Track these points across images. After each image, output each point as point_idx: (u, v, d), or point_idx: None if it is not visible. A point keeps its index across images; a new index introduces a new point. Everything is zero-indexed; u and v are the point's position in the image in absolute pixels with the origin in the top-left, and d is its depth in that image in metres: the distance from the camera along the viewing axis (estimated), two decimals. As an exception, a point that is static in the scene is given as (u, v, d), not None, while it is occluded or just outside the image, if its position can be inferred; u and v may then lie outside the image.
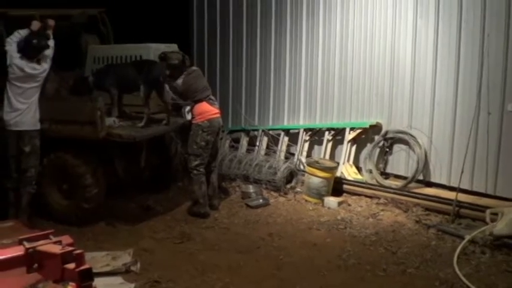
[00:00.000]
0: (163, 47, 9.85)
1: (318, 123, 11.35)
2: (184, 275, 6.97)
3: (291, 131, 11.71)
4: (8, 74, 8.08)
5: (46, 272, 3.58)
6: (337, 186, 10.23)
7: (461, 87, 9.15)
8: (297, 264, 7.39)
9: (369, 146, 10.47)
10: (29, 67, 8.08)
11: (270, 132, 11.90)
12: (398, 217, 9.07)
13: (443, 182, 9.56)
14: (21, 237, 3.68)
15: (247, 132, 12.30)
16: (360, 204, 9.70)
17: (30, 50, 8.10)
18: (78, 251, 3.49)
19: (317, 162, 10.26)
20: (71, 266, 3.44)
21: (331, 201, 9.73)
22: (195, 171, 9.15)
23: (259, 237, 8.36)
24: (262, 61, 12.29)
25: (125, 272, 6.93)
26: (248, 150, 11.97)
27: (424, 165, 9.69)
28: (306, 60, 11.47)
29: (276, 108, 12.15)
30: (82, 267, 3.42)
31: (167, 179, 10.51)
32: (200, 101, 9.11)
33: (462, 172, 8.83)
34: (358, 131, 10.56)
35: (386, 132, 10.19)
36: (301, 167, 10.97)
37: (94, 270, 3.53)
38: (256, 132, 12.13)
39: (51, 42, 8.33)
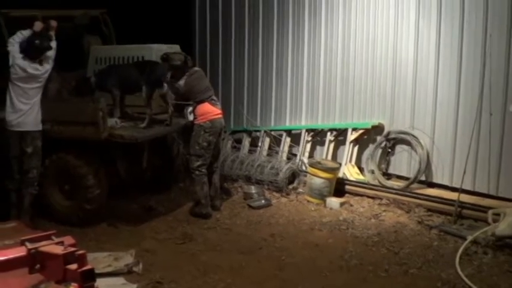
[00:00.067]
0: (165, 48, 9.85)
1: (320, 123, 11.35)
2: (186, 276, 6.98)
3: (293, 131, 11.71)
4: (10, 74, 8.09)
5: (48, 272, 3.57)
6: (339, 187, 10.23)
7: (463, 87, 9.14)
8: (299, 264, 7.39)
9: (371, 146, 10.47)
10: (32, 68, 8.09)
11: (272, 132, 11.90)
12: (401, 218, 9.07)
13: (446, 182, 9.55)
14: (23, 238, 3.67)
15: (249, 132, 12.30)
16: (362, 205, 9.70)
17: (33, 51, 8.11)
18: (80, 252, 3.48)
19: (319, 162, 10.26)
20: (73, 266, 3.42)
21: (333, 201, 9.73)
22: (197, 172, 9.15)
23: (261, 237, 8.37)
24: (264, 61, 12.29)
25: (127, 273, 6.93)
26: (250, 151, 11.96)
27: (426, 165, 9.67)
28: (308, 60, 11.46)
29: (278, 108, 12.14)
30: (84, 268, 3.40)
31: (169, 179, 10.52)
32: (202, 101, 9.12)
33: (464, 173, 8.82)
34: (360, 131, 10.55)
35: (389, 133, 10.18)
36: (303, 167, 10.97)
37: (96, 271, 3.52)
38: (258, 133, 12.12)
39: (53, 44, 8.34)
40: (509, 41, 8.49)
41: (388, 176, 10.28)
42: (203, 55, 13.52)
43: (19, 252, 3.58)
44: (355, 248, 7.88)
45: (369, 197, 9.95)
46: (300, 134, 11.49)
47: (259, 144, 11.92)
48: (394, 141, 10.16)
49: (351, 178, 10.40)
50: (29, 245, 3.58)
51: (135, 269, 7.02)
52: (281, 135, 11.74)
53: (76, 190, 8.72)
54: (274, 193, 10.42)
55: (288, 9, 11.65)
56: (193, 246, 8.00)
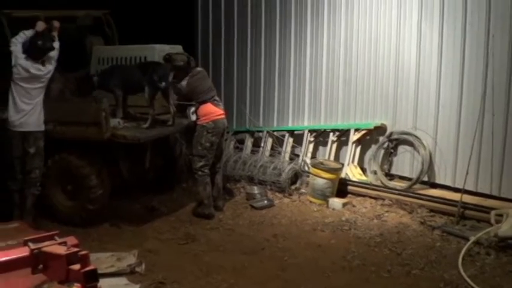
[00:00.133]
0: (167, 48, 9.85)
1: (322, 124, 11.35)
2: (189, 276, 6.98)
3: (296, 132, 11.71)
4: (12, 74, 8.10)
5: (51, 272, 3.58)
6: (342, 188, 10.23)
7: (466, 88, 9.13)
8: (302, 265, 7.39)
9: (374, 147, 10.46)
10: (34, 68, 8.10)
11: (275, 133, 11.91)
12: (403, 218, 9.06)
13: (448, 183, 9.55)
14: (26, 238, 3.69)
15: (251, 133, 12.30)
16: (364, 206, 9.70)
17: (35, 51, 8.12)
18: (83, 252, 3.49)
19: (322, 163, 10.26)
20: (76, 267, 3.44)
21: (336, 202, 9.73)
22: (199, 172, 9.15)
23: (264, 238, 8.37)
24: (267, 62, 12.29)
25: (129, 273, 6.93)
26: (253, 151, 11.96)
27: (429, 166, 9.67)
28: (310, 61, 11.46)
29: (280, 109, 12.14)
30: (87, 268, 3.42)
31: (172, 180, 10.52)
32: (205, 102, 9.12)
33: (467, 173, 8.82)
34: (363, 132, 10.54)
35: (391, 134, 10.17)
36: (306, 168, 10.95)
37: (99, 271, 3.53)
38: (260, 134, 12.13)
39: (56, 44, 8.35)
40: (512, 41, 8.52)
41: (390, 176, 10.27)
42: (205, 55, 13.53)
43: (22, 252, 3.60)
44: (357, 249, 7.88)
45: (371, 197, 9.95)
46: (302, 135, 11.48)
47: (262, 144, 11.92)
48: (396, 142, 10.16)
49: (354, 179, 10.39)
50: (32, 245, 3.60)
51: (137, 269, 7.02)
52: (284, 136, 11.74)
53: (79, 190, 8.73)
54: (277, 193, 10.42)
55: (290, 9, 11.65)
56: (196, 247, 8.00)
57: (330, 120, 11.22)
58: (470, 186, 9.03)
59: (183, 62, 9.19)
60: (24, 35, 8.15)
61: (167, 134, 9.58)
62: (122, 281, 6.75)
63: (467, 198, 8.86)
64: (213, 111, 9.15)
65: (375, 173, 10.22)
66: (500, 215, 8.02)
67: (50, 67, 8.29)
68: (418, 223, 8.80)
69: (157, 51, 9.82)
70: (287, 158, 11.37)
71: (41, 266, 3.59)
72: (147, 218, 9.11)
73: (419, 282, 6.84)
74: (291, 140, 11.65)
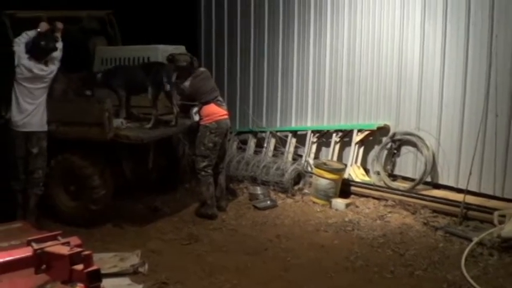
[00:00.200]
0: (171, 49, 9.86)
1: (325, 124, 11.34)
2: (192, 277, 6.98)
3: (299, 132, 11.71)
4: (15, 74, 8.12)
5: (54, 273, 3.58)
6: (345, 188, 10.23)
7: (469, 88, 9.12)
8: (305, 265, 7.39)
9: (377, 147, 10.45)
10: (37, 68, 8.13)
11: (278, 133, 11.90)
12: (406, 219, 9.06)
13: (451, 184, 9.53)
14: (29, 238, 3.68)
15: (254, 133, 12.29)
16: (367, 206, 9.69)
17: (38, 52, 8.14)
18: (86, 252, 3.48)
19: (325, 163, 10.26)
20: (79, 267, 3.43)
21: (339, 203, 9.73)
22: (202, 173, 9.16)
23: (267, 238, 8.37)
24: (270, 62, 12.29)
25: (132, 273, 6.94)
26: (256, 152, 11.97)
27: (432, 167, 9.66)
28: (313, 61, 11.45)
29: (283, 109, 12.14)
30: (90, 269, 3.41)
31: (175, 180, 10.53)
32: (208, 102, 9.13)
33: (470, 174, 8.80)
34: (366, 132, 10.54)
35: (394, 134, 10.16)
36: (309, 168, 10.96)
37: (102, 271, 3.53)
38: (263, 134, 12.12)
39: (59, 45, 8.37)
40: (516, 41, 8.51)
41: (393, 177, 10.26)
42: (209, 55, 13.53)
43: (25, 252, 3.59)
44: (360, 249, 7.88)
45: (374, 198, 9.95)
46: (305, 135, 11.48)
47: (265, 145, 11.92)
48: (399, 143, 10.14)
49: (357, 179, 10.39)
50: (35, 246, 3.60)
51: (140, 269, 7.03)
52: (287, 136, 11.73)
53: (82, 191, 8.74)
54: (280, 194, 10.42)
55: (293, 9, 11.65)
56: (199, 247, 8.01)
57: (333, 120, 11.21)
58: (473, 187, 9.01)
59: (186, 62, 9.20)
60: (27, 35, 8.18)
61: (170, 135, 9.59)
62: (125, 281, 6.75)
63: (470, 199, 8.85)
64: (216, 111, 9.15)
65: (378, 173, 10.21)
66: (503, 216, 8.02)
67: (53, 67, 8.31)
68: (421, 224, 8.80)
69: (161, 52, 9.83)
70: (290, 159, 11.37)
71: (44, 266, 3.58)
72: (150, 218, 9.12)
73: (422, 283, 6.84)
74: (294, 140, 11.65)
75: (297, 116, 11.89)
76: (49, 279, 3.64)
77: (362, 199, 10.03)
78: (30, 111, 8.19)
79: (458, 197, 8.99)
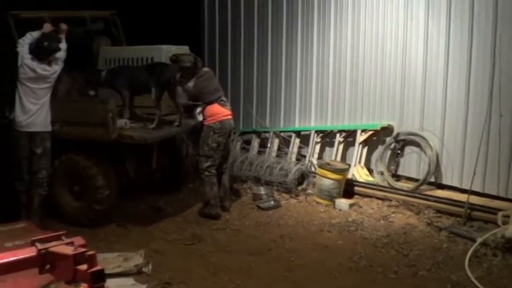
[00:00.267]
0: (174, 49, 9.87)
1: (329, 125, 11.34)
2: (196, 277, 6.98)
3: (302, 132, 11.71)
4: (18, 74, 8.13)
5: (58, 273, 3.59)
6: (349, 188, 10.22)
7: (473, 88, 9.11)
8: (308, 266, 7.39)
9: (380, 148, 10.45)
10: (40, 68, 8.13)
11: (281, 134, 11.90)
12: (410, 219, 9.05)
13: (455, 184, 9.53)
14: (33, 238, 3.69)
15: (258, 133, 12.30)
16: (371, 206, 9.69)
17: (41, 52, 8.15)
18: (90, 252, 3.49)
19: (328, 164, 10.26)
20: (83, 267, 3.45)
21: (343, 203, 9.72)
22: (206, 173, 9.16)
23: (271, 239, 8.36)
24: (274, 62, 12.29)
25: (136, 273, 6.94)
26: (259, 152, 11.97)
27: (436, 167, 9.65)
28: (317, 61, 11.45)
29: (287, 109, 12.14)
30: (94, 269, 3.42)
31: (178, 180, 10.53)
32: (211, 102, 9.12)
33: (474, 174, 8.80)
34: (370, 132, 10.54)
35: (398, 134, 10.16)
36: (313, 168, 10.95)
37: (106, 272, 3.53)
38: (267, 134, 12.12)
39: (63, 45, 8.38)
40: (519, 41, 8.50)
41: (397, 177, 10.26)
42: (212, 55, 13.53)
43: (29, 252, 3.60)
44: (364, 250, 7.87)
45: (378, 198, 9.94)
46: (309, 135, 11.48)
47: (269, 145, 11.93)
48: (403, 143, 10.15)
49: (360, 179, 10.39)
50: (39, 246, 3.61)
51: (144, 269, 7.03)
52: (290, 137, 11.74)
53: (86, 191, 8.75)
54: (284, 194, 10.41)
55: (297, 9, 11.64)
56: (202, 247, 8.01)
57: (337, 121, 11.21)
58: (477, 187, 9.01)
59: (190, 62, 9.20)
60: (31, 36, 8.20)
61: (174, 135, 9.59)
62: (129, 281, 6.75)
63: (474, 199, 8.84)
64: (219, 111, 9.15)
65: (382, 173, 10.21)
66: (507, 216, 8.01)
67: (56, 67, 8.31)
68: (425, 224, 8.79)
69: (164, 52, 9.84)
70: (294, 159, 11.37)
71: (48, 266, 3.59)
72: (153, 219, 9.12)
73: (426, 283, 6.83)
74: (297, 140, 11.65)
75: (301, 116, 11.89)
76: (53, 279, 3.65)
77: (366, 199, 10.03)
78: (34, 112, 8.19)
79: (462, 197, 8.99)
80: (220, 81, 10.11)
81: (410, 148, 10.11)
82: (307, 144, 11.46)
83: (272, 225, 8.99)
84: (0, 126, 8.65)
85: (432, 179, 9.76)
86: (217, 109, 9.14)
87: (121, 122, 8.73)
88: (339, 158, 10.87)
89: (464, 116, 9.26)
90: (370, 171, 10.57)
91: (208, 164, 9.12)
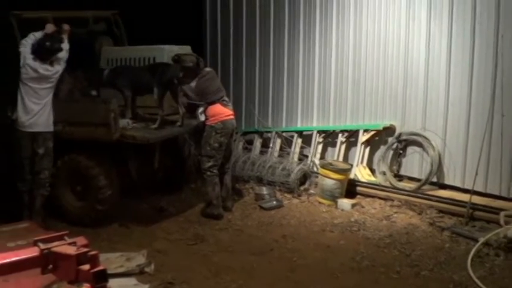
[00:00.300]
0: (176, 49, 9.87)
1: (331, 125, 11.33)
2: (198, 277, 6.99)
3: (305, 132, 11.70)
4: (20, 74, 8.14)
5: (61, 273, 3.58)
6: (351, 188, 10.22)
7: (475, 89, 9.10)
8: (311, 266, 7.39)
9: (383, 148, 10.44)
10: (42, 68, 8.15)
11: (283, 134, 11.90)
12: (412, 219, 9.05)
13: (457, 184, 9.52)
14: (36, 238, 3.69)
15: (260, 133, 12.29)
16: (373, 206, 9.69)
17: (43, 52, 8.18)
18: (92, 252, 3.49)
19: (330, 164, 10.26)
20: (86, 267, 3.44)
21: (345, 203, 9.72)
22: (208, 173, 9.16)
23: (273, 239, 8.37)
24: (276, 62, 12.29)
25: (138, 273, 6.95)
26: (261, 152, 11.97)
27: (438, 167, 9.64)
28: (319, 61, 11.44)
29: (289, 109, 12.14)
30: (97, 269, 3.42)
31: (180, 180, 10.53)
32: (214, 102, 9.13)
33: (476, 174, 8.79)
34: (372, 132, 10.53)
35: (400, 134, 10.15)
36: (315, 168, 10.95)
37: (108, 272, 3.53)
38: (269, 134, 12.12)
39: (65, 46, 8.39)
40: (522, 41, 8.49)
41: (399, 177, 10.25)
42: (214, 55, 13.53)
43: (32, 252, 3.60)
44: (366, 250, 7.87)
45: (380, 198, 9.94)
46: (311, 135, 11.47)
47: (271, 145, 11.93)
48: (405, 143, 10.13)
49: (363, 179, 10.38)
50: (42, 246, 3.60)
51: (147, 269, 7.04)
52: (292, 137, 11.73)
53: (88, 191, 8.76)
54: (286, 194, 10.42)
55: (299, 9, 11.64)
56: (204, 247, 8.01)
57: (339, 121, 11.21)
58: (479, 187, 9.00)
59: (192, 62, 9.20)
60: (34, 36, 8.24)
61: (176, 135, 9.60)
62: (131, 281, 6.76)
63: (476, 199, 8.83)
64: (221, 111, 9.15)
65: (384, 173, 10.20)
66: (510, 216, 8.03)
67: (58, 67, 8.33)
68: (427, 224, 8.79)
69: (166, 52, 9.83)
70: (296, 159, 11.36)
71: (50, 266, 3.59)
72: (156, 219, 9.13)
73: (429, 283, 6.84)
74: (299, 140, 11.65)
75: (303, 116, 11.89)
76: (55, 279, 3.65)
77: (368, 199, 10.02)
78: (37, 112, 8.20)
79: (465, 197, 8.98)
80: (222, 82, 10.10)
81: (412, 148, 10.10)
82: (309, 144, 11.45)
83: (274, 225, 9.00)
84: (3, 126, 8.66)
85: (434, 179, 9.74)
86: (220, 109, 9.14)
87: (123, 122, 8.74)
88: (341, 158, 10.86)
89: (466, 116, 9.25)
90: (373, 171, 10.56)
91: (210, 164, 9.13)
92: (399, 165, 10.28)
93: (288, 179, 10.50)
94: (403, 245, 7.99)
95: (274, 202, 9.96)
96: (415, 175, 10.06)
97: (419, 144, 9.90)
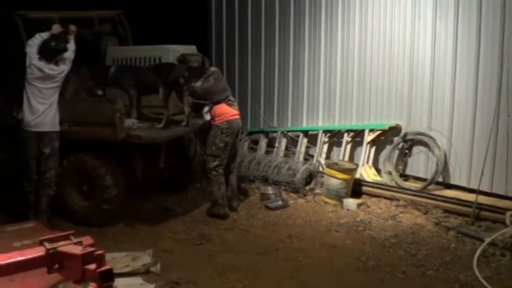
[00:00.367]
0: (182, 49, 9.87)
1: (337, 124, 11.33)
2: (204, 276, 6.99)
3: (310, 132, 11.70)
4: (26, 74, 8.15)
5: (67, 272, 3.60)
6: (357, 188, 10.21)
7: (481, 88, 9.08)
8: (316, 266, 7.38)
9: (388, 147, 10.43)
10: (48, 68, 8.16)
11: (289, 133, 11.90)
12: (418, 219, 9.03)
13: (463, 184, 9.50)
14: (42, 238, 3.70)
15: (266, 133, 12.30)
16: (379, 206, 9.67)
17: (48, 52, 8.19)
18: (98, 252, 3.50)
19: (336, 163, 10.25)
20: (92, 266, 3.45)
21: (351, 203, 9.71)
22: (214, 172, 9.16)
23: (278, 239, 8.36)
24: (281, 62, 12.29)
25: (144, 273, 6.95)
26: (267, 152, 11.98)
27: (444, 167, 9.63)
28: (324, 61, 11.44)
29: (294, 109, 12.14)
30: (103, 268, 3.43)
31: (186, 180, 10.53)
32: (219, 102, 9.13)
33: (482, 174, 8.77)
34: (378, 132, 10.52)
35: (406, 134, 10.14)
36: (320, 168, 10.95)
37: (114, 271, 3.54)
38: (275, 134, 12.12)
39: (71, 46, 8.40)
40: (528, 41, 8.47)
41: (405, 177, 10.24)
42: (219, 55, 13.55)
43: (38, 252, 3.61)
44: (372, 249, 7.87)
45: (386, 198, 9.93)
46: (316, 135, 11.47)
47: (276, 145, 11.93)
48: (411, 143, 10.13)
49: (368, 179, 10.37)
50: (48, 245, 3.61)
51: (152, 269, 7.04)
52: (298, 136, 11.73)
53: (94, 190, 8.77)
54: (291, 194, 10.41)
55: (304, 9, 11.64)
56: (210, 247, 8.01)
57: (345, 120, 11.20)
58: (485, 187, 8.99)
59: (198, 62, 9.20)
60: (40, 37, 8.26)
61: (181, 135, 9.59)
62: (137, 280, 6.77)
63: (482, 199, 8.82)
64: (227, 111, 9.15)
65: (390, 173, 10.20)
66: (516, 216, 8.01)
67: (64, 67, 8.33)
68: (433, 224, 8.78)
69: (172, 52, 9.84)
70: (301, 159, 11.36)
71: (56, 266, 3.60)
72: (161, 218, 9.13)
73: (434, 283, 6.82)
74: (305, 140, 11.65)
75: (308, 115, 11.89)
76: (62, 279, 3.65)
77: (373, 199, 10.01)
78: (42, 111, 8.21)
79: (470, 197, 8.97)
80: (227, 81, 10.09)
81: (418, 148, 10.10)
82: (314, 144, 11.45)
83: (280, 225, 8.99)
84: (8, 126, 8.68)
85: (440, 179, 9.73)
86: (225, 109, 9.15)
87: (129, 122, 8.75)
88: (346, 158, 10.86)
89: (472, 115, 9.23)
90: (378, 171, 10.55)
91: (215, 163, 9.13)
92: (405, 165, 10.27)
93: (294, 178, 10.50)
94: (408, 245, 7.98)
95: (280, 202, 9.95)
96: (421, 175, 10.05)
97: (425, 144, 9.89)
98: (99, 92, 9.43)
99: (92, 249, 3.56)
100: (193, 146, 10.43)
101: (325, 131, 11.37)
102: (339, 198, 9.86)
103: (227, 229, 8.78)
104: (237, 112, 9.33)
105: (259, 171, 11.06)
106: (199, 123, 9.48)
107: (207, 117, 9.25)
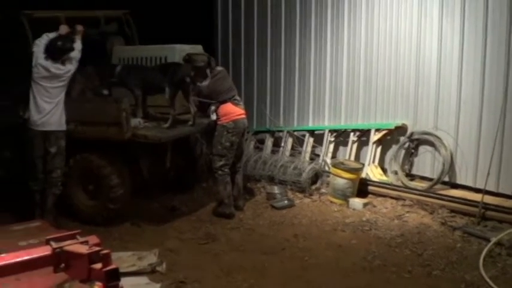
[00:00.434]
0: (188, 48, 9.87)
1: (343, 124, 11.32)
2: (210, 276, 6.99)
3: (316, 132, 11.69)
4: (32, 74, 8.16)
5: (73, 271, 3.60)
6: (362, 188, 10.20)
7: (487, 87, 9.06)
8: (322, 265, 7.38)
9: (394, 147, 10.42)
10: (54, 67, 8.17)
11: (295, 133, 11.90)
12: (424, 219, 9.02)
13: (469, 183, 9.49)
14: (48, 237, 3.70)
15: (272, 133, 12.29)
16: (385, 206, 9.66)
17: (55, 52, 8.20)
18: (104, 251, 3.50)
19: (342, 163, 10.24)
20: (98, 265, 3.45)
21: (356, 202, 9.70)
22: (219, 172, 9.16)
23: (284, 238, 8.36)
24: (287, 61, 12.28)
25: (150, 272, 6.96)
26: (273, 151, 11.97)
27: (450, 166, 9.62)
28: (330, 60, 11.43)
29: (300, 108, 12.14)
30: (109, 267, 3.43)
31: (192, 179, 10.54)
32: (225, 101, 9.13)
33: (488, 174, 8.76)
34: (384, 132, 10.51)
35: (412, 134, 10.13)
36: (326, 168, 10.93)
37: (120, 270, 3.54)
38: (281, 133, 12.12)
39: (77, 46, 8.40)
40: (534, 40, 8.46)
41: (411, 176, 10.24)
42: (225, 55, 13.55)
43: (44, 251, 3.61)
44: (378, 249, 7.86)
45: (392, 197, 9.91)
46: (322, 135, 11.46)
47: (282, 144, 11.93)
48: (417, 142, 10.12)
49: (374, 179, 10.36)
50: (54, 244, 3.62)
51: (158, 268, 7.05)
52: (304, 136, 11.73)
53: (100, 190, 8.78)
54: (297, 193, 10.40)
55: (310, 8, 11.63)
56: (216, 246, 8.02)
57: (351, 120, 11.20)
58: (491, 187, 8.97)
59: (204, 62, 9.20)
60: (48, 37, 8.27)
61: (188, 134, 9.59)
62: (143, 280, 6.77)
63: (488, 199, 8.80)
64: (233, 111, 9.15)
65: (396, 173, 10.19)
66: (522, 216, 8.00)
67: (70, 66, 8.33)
68: (439, 224, 8.76)
69: (178, 51, 9.84)
70: (307, 158, 11.36)
71: (62, 265, 3.60)
72: (167, 218, 9.14)
73: (440, 283, 6.82)
74: (311, 139, 11.64)
75: (314, 115, 11.88)
76: (68, 278, 3.66)
77: (380, 199, 10.00)
78: (49, 111, 8.22)
79: (476, 196, 8.96)
80: (233, 81, 10.09)
81: (424, 147, 10.09)
82: (320, 144, 11.45)
83: (286, 225, 8.99)
84: (15, 125, 8.70)
85: (446, 179, 9.72)
86: (231, 108, 9.14)
87: (135, 122, 8.76)
88: (352, 157, 10.85)
89: (478, 115, 9.22)
90: (384, 170, 10.55)
91: (221, 163, 9.13)
92: (411, 165, 10.26)
93: (300, 178, 10.49)
94: (414, 245, 7.97)
95: (286, 201, 9.95)
96: (427, 174, 10.04)
97: (431, 144, 9.88)
98: (105, 92, 9.44)
99: (98, 248, 3.56)
100: (200, 145, 10.43)
101: (331, 131, 11.37)
102: (345, 197, 9.86)
103: (233, 228, 8.78)
104: (243, 111, 9.33)
105: (265, 171, 11.05)
106: (206, 123, 9.47)
107: (213, 116, 9.26)
